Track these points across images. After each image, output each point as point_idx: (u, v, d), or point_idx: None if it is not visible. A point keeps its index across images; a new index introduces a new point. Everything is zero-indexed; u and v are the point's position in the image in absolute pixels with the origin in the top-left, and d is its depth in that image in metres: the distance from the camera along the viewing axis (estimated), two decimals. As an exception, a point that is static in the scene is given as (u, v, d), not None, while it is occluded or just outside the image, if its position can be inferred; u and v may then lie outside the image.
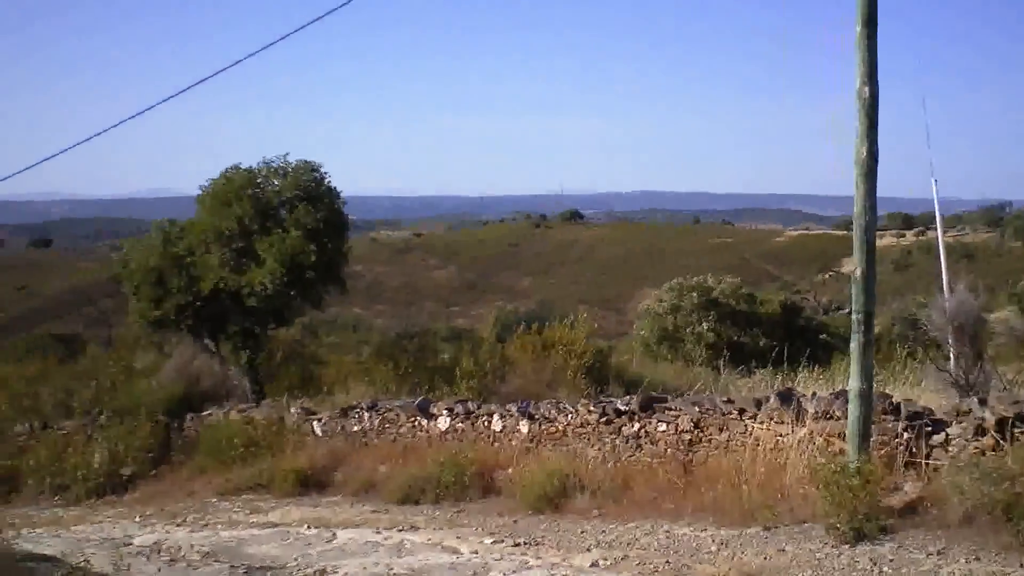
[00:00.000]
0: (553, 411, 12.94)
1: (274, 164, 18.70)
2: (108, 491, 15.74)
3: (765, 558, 8.55)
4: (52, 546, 11.02)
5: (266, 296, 17.50)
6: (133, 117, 14.48)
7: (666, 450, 11.59)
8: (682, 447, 11.48)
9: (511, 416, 13.36)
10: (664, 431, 11.71)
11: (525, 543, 10.04)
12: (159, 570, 9.87)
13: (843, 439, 9.81)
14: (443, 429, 14.00)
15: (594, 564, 9.01)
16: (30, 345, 37.15)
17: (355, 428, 14.93)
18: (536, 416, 13.07)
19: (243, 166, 18.78)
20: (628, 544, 9.60)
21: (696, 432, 11.44)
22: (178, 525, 12.67)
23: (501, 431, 13.40)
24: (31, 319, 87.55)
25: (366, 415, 14.90)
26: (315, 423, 15.41)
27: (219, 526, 12.34)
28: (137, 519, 13.44)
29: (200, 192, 18.82)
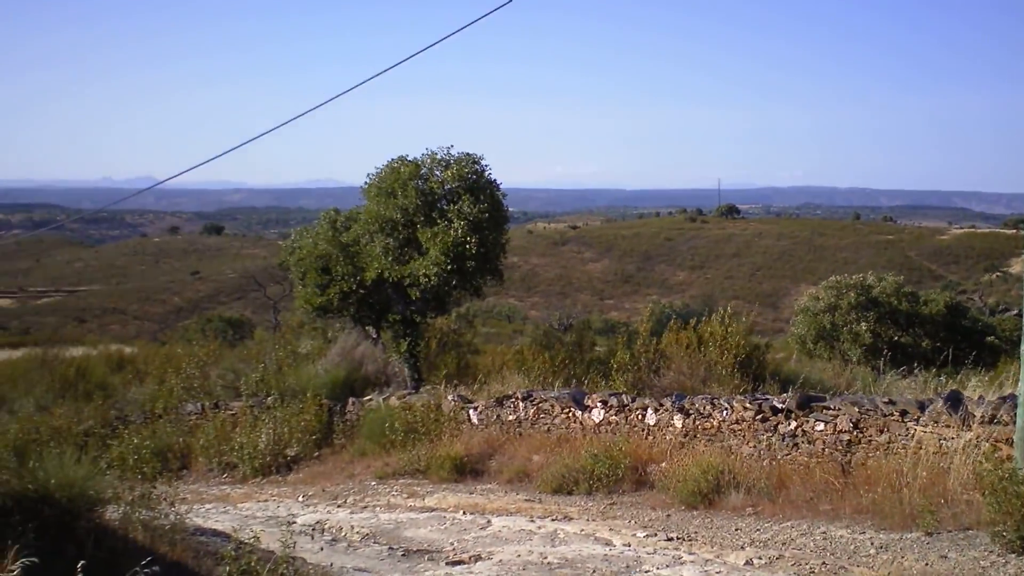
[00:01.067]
0: (708, 406, 12.87)
1: (438, 155, 18.92)
2: (273, 471, 16.26)
3: (926, 564, 8.36)
4: (220, 522, 11.49)
5: (428, 286, 17.79)
6: (306, 113, 14.88)
7: (823, 450, 11.42)
8: (840, 447, 11.28)
9: (665, 410, 13.34)
10: (822, 430, 11.53)
11: (678, 538, 10.04)
12: (322, 549, 10.21)
13: (1011, 445, 9.51)
14: (597, 421, 14.06)
15: (748, 562, 8.95)
16: (202, 327, 38.84)
17: (510, 417, 15.12)
18: (690, 411, 13.02)
19: (408, 157, 19.05)
20: (783, 544, 9.51)
21: (855, 433, 11.23)
22: (339, 506, 13.07)
23: (655, 425, 13.39)
24: (203, 303, 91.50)
25: (521, 405, 15.07)
26: (471, 411, 15.65)
27: (378, 508, 12.68)
28: (300, 499, 13.91)
29: (366, 183, 19.20)
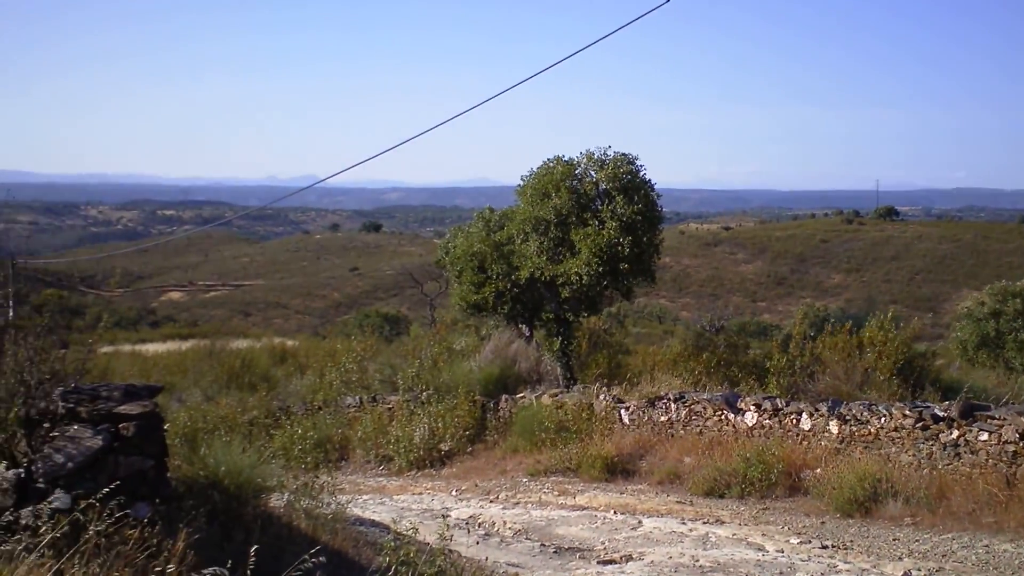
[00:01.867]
0: (865, 413, 12.63)
1: (595, 155, 18.89)
2: (427, 464, 16.63)
3: (1096, 582, 8.07)
4: (377, 513, 11.82)
5: (580, 286, 17.84)
6: (462, 114, 15.22)
7: (987, 461, 11.09)
8: (1005, 459, 10.94)
9: (820, 415, 13.14)
10: (985, 441, 11.20)
11: (833, 546, 9.92)
12: (476, 543, 10.41)
13: None
14: (750, 425, 13.95)
15: (906, 574, 8.78)
16: (360, 323, 39.83)
17: (662, 418, 15.10)
18: (847, 417, 12.80)
19: (564, 157, 19.10)
20: (943, 556, 9.30)
21: (1021, 444, 10.88)
22: (491, 501, 13.30)
23: (809, 430, 13.21)
24: (361, 299, 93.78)
25: (673, 406, 15.04)
26: (623, 411, 15.69)
27: (529, 505, 12.86)
28: (453, 493, 14.21)
29: (521, 182, 19.34)
